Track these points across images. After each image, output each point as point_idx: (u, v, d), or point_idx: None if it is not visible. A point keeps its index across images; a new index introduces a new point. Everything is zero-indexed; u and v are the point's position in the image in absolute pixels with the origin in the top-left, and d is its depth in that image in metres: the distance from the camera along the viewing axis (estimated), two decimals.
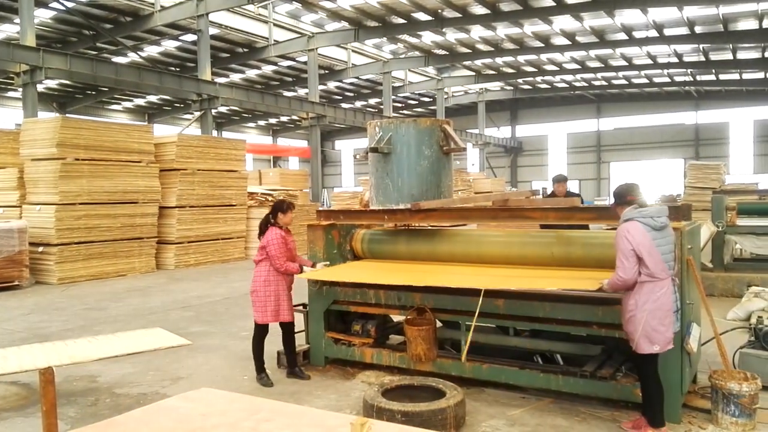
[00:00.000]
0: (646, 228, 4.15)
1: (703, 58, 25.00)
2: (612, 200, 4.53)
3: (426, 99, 36.74)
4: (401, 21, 20.93)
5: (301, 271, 5.68)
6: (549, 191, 9.85)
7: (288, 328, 5.78)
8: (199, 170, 15.23)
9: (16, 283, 11.69)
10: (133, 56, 23.28)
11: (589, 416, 4.69)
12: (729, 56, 24.80)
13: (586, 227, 6.66)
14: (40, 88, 16.99)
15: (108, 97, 29.31)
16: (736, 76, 28.78)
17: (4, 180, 13.52)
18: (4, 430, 4.71)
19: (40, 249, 12.43)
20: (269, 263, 5.65)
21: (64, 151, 12.50)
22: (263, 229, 5.78)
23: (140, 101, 31.50)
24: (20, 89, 15.57)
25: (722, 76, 29.12)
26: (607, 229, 6.31)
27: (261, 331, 5.76)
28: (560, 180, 8.24)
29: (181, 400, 3.53)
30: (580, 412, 4.78)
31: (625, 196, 4.36)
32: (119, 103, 31.92)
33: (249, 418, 3.08)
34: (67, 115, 25.50)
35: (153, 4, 19.42)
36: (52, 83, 25.96)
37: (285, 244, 5.67)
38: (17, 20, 15.93)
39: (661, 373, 4.38)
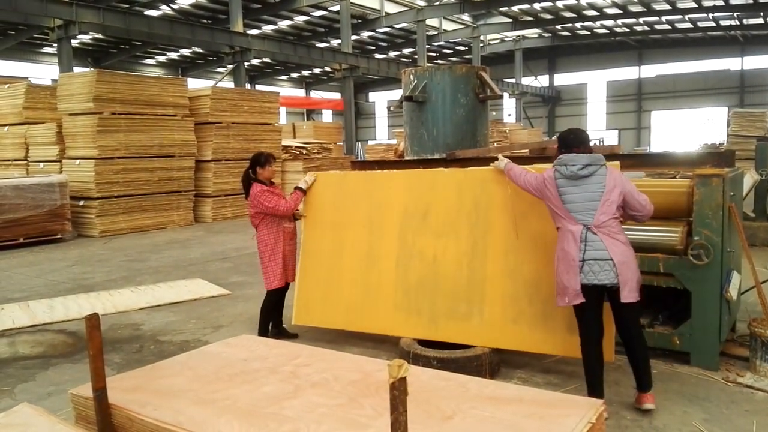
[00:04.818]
0: None
1: (750, 0, 23.78)
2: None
3: (461, 48, 35.93)
4: None
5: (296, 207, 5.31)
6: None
7: (283, 289, 5.52)
8: (233, 123, 15.29)
9: (59, 236, 12.05)
10: (165, 9, 23.21)
11: (625, 363, 4.65)
12: None
13: None
14: (74, 43, 17.10)
15: (141, 52, 29.43)
16: None
17: (43, 135, 13.79)
18: (54, 376, 4.91)
19: (81, 203, 12.74)
20: (268, 223, 5.37)
21: (100, 105, 12.66)
22: (246, 187, 5.40)
23: (173, 55, 31.57)
24: (55, 44, 15.71)
25: None
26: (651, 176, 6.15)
27: (274, 296, 5.47)
28: None
29: (222, 346, 3.62)
30: (616, 359, 4.75)
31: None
32: (152, 57, 32.03)
33: (288, 363, 3.15)
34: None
35: None
36: (86, 38, 26.11)
37: (272, 192, 5.31)
38: None
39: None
